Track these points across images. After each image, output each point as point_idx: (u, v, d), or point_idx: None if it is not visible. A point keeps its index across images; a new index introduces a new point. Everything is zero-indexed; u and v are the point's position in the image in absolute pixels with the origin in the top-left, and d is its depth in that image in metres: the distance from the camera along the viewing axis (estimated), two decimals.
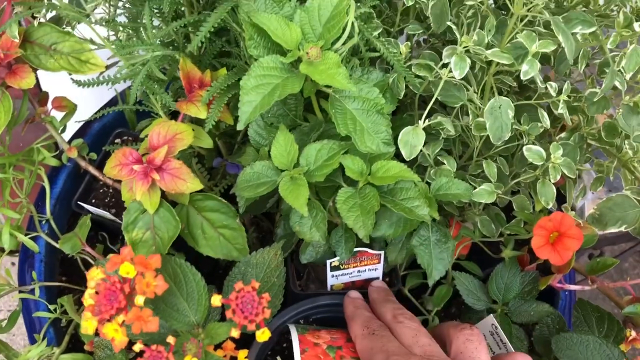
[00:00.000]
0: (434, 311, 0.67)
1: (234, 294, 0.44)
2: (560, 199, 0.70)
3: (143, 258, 0.44)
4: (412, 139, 0.56)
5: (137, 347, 0.43)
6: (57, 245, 0.70)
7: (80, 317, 0.61)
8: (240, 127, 0.49)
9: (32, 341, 0.65)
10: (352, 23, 0.52)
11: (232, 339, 0.48)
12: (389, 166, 0.56)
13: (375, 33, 0.62)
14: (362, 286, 0.68)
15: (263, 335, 0.44)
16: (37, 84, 1.00)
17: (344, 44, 0.53)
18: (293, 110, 0.60)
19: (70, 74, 0.68)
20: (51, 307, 0.67)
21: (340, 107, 0.53)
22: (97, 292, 0.43)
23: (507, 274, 0.64)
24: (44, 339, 0.64)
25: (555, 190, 0.60)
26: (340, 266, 0.65)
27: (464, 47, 0.55)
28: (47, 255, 0.72)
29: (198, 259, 0.64)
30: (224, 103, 0.57)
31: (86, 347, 0.61)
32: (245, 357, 0.48)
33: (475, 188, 0.63)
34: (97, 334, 0.59)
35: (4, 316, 0.71)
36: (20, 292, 0.69)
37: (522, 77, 0.54)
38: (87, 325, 0.43)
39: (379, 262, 0.66)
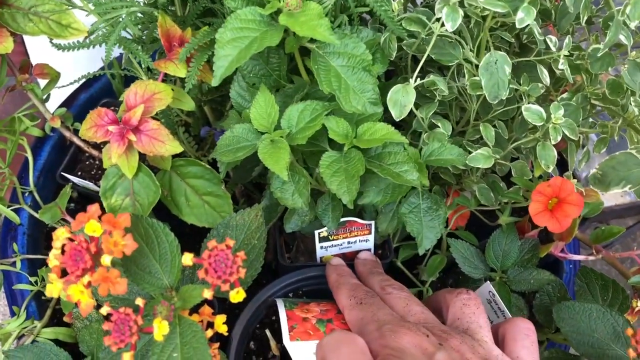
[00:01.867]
0: (429, 282, 0.65)
1: (207, 253, 0.41)
2: (563, 167, 0.66)
3: (111, 216, 0.41)
4: (402, 98, 0.53)
5: (104, 309, 0.40)
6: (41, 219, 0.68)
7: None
8: (215, 82, 0.46)
9: (13, 314, 0.63)
10: None
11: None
12: (375, 128, 0.53)
13: None
14: (353, 258, 0.65)
15: (237, 295, 0.42)
16: (25, 51, 0.98)
17: None
18: (277, 70, 0.57)
19: (51, 39, 0.66)
20: (33, 279, 0.65)
21: (323, 64, 0.50)
22: (62, 252, 0.41)
23: (504, 240, 0.61)
24: (25, 312, 0.62)
25: (556, 153, 0.57)
26: (330, 237, 0.62)
27: None
28: (31, 228, 0.70)
29: (183, 229, 0.61)
30: (204, 60, 0.54)
31: (65, 319, 0.59)
32: (224, 323, 0.45)
33: (471, 153, 0.60)
34: (76, 305, 0.57)
35: None
36: (2, 264, 0.67)
37: (517, 25, 0.50)
38: (52, 287, 0.41)
39: (369, 233, 0.63)
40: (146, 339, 0.43)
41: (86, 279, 0.40)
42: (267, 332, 0.60)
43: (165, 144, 0.52)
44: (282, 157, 0.49)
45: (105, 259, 0.40)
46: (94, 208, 0.42)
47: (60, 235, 0.41)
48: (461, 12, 0.51)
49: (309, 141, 0.52)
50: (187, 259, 0.41)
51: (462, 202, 0.65)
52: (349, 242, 0.63)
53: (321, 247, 0.63)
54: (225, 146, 0.52)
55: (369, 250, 0.64)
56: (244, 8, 0.47)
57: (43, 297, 0.66)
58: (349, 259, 0.65)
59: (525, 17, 0.49)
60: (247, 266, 0.44)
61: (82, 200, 0.78)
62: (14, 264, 0.67)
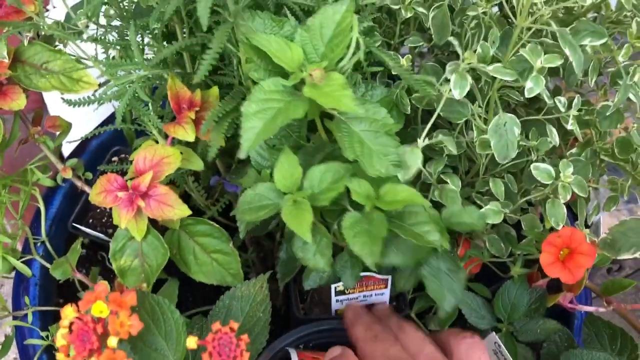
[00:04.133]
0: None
1: (211, 336, 0.42)
2: (574, 215, 0.66)
3: (117, 296, 0.42)
4: (409, 159, 0.53)
5: None
6: None
7: None
8: (242, 155, 0.46)
9: None
10: (357, 39, 0.49)
11: None
12: (397, 190, 0.52)
13: (376, 45, 0.59)
14: None
15: None
16: (41, 98, 0.99)
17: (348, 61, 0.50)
18: (296, 131, 0.57)
19: (62, 93, 0.67)
20: (45, 333, 0.66)
21: (346, 130, 0.50)
22: (70, 331, 0.41)
23: (514, 292, 0.61)
24: None
25: (565, 211, 0.57)
26: (346, 291, 0.62)
27: (468, 64, 0.52)
28: (42, 278, 0.71)
29: (194, 282, 0.61)
30: (224, 130, 0.54)
31: None
32: None
33: (481, 207, 0.60)
34: None
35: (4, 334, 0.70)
36: (14, 317, 0.67)
37: (526, 95, 0.51)
38: None
39: (385, 287, 0.63)
40: None
41: None
42: None
43: (174, 209, 0.53)
44: (306, 219, 0.49)
45: (112, 341, 0.40)
46: (101, 287, 0.42)
47: (68, 314, 0.42)
48: (470, 80, 0.51)
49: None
50: (192, 342, 0.41)
51: (475, 254, 0.65)
52: (364, 296, 0.63)
53: (337, 301, 0.63)
54: (247, 203, 0.52)
55: (384, 303, 0.64)
56: (267, 80, 0.47)
57: (54, 351, 0.66)
58: None
59: (534, 87, 0.49)
60: (252, 341, 0.44)
61: (94, 247, 0.79)
62: (25, 316, 0.67)
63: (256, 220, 0.52)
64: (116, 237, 0.55)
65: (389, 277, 0.62)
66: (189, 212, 0.54)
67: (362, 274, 0.60)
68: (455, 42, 0.53)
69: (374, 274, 0.61)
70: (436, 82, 0.55)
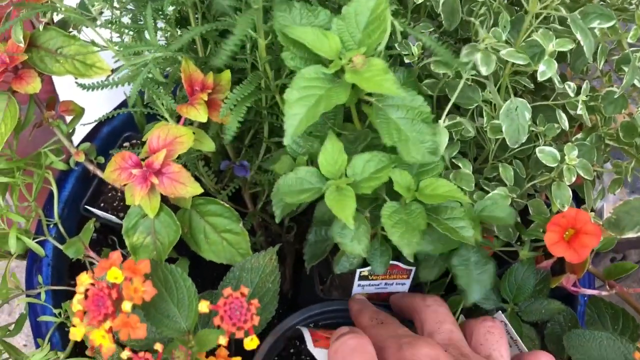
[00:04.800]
0: None
1: (222, 300, 0.43)
2: (578, 200, 0.67)
3: (132, 263, 0.43)
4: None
5: (125, 354, 0.42)
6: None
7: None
8: (287, 141, 0.46)
9: (38, 345, 0.65)
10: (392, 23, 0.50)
11: (237, 344, 0.47)
12: (437, 184, 0.54)
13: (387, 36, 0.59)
14: (385, 299, 0.66)
15: (252, 342, 0.43)
16: (52, 87, 1.01)
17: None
18: (332, 118, 0.58)
19: (76, 78, 0.68)
20: (57, 311, 0.67)
21: (384, 117, 0.51)
22: (85, 297, 0.42)
23: (521, 274, 0.62)
24: (49, 343, 0.64)
25: (570, 193, 0.58)
26: (369, 277, 0.63)
27: (486, 44, 0.53)
28: (55, 259, 0.72)
29: (203, 263, 0.63)
30: (242, 114, 0.55)
31: (88, 352, 0.60)
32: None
33: (488, 192, 0.61)
34: None
35: (13, 318, 0.71)
36: (27, 296, 0.69)
37: (539, 78, 0.52)
38: (76, 331, 0.42)
39: (407, 278, 0.64)
40: None
41: (107, 324, 0.41)
42: None
43: (187, 186, 0.54)
44: (349, 205, 0.49)
45: (126, 306, 0.41)
46: (115, 255, 0.43)
47: (84, 281, 0.43)
48: (494, 58, 0.52)
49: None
50: (204, 306, 0.42)
51: (485, 244, 0.66)
52: (386, 284, 0.64)
53: (359, 285, 0.64)
54: (288, 186, 0.53)
55: (402, 285, 0.65)
56: (307, 67, 0.48)
57: (66, 329, 0.67)
58: (382, 299, 0.66)
59: (546, 70, 0.50)
60: (261, 310, 0.45)
61: (105, 231, 0.80)
62: (38, 295, 0.69)
63: (297, 202, 0.53)
64: (129, 215, 0.57)
65: (413, 269, 0.63)
66: (200, 190, 0.55)
67: None
68: (477, 22, 0.54)
69: (399, 264, 0.62)
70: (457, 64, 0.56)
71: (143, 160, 0.55)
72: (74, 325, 0.42)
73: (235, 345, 0.54)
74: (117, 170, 0.54)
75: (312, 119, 0.46)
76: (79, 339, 0.42)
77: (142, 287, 0.42)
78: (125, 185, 0.58)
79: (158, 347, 0.42)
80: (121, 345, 0.44)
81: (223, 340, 0.42)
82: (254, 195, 0.78)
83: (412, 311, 0.58)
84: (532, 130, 0.60)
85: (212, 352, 0.46)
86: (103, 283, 0.42)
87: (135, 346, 0.43)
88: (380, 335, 0.51)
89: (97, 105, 0.81)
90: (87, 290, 0.43)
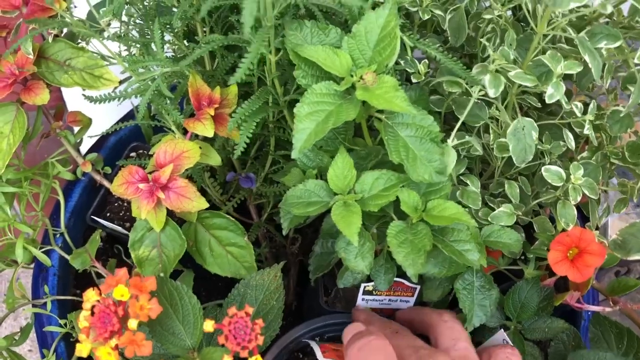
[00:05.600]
0: None
1: (227, 320, 0.43)
2: (584, 218, 0.67)
3: (138, 280, 0.43)
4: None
5: None
6: None
7: None
8: (295, 155, 0.47)
9: (43, 355, 0.65)
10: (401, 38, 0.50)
11: None
12: (445, 206, 0.54)
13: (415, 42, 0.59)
14: (389, 315, 0.66)
15: None
16: (60, 96, 1.02)
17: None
18: (342, 134, 0.58)
19: (83, 90, 0.69)
20: (63, 321, 0.67)
21: (392, 134, 0.51)
22: (92, 314, 0.43)
23: (525, 292, 0.62)
24: (54, 353, 0.64)
25: (575, 212, 0.58)
26: (374, 292, 0.63)
27: (498, 64, 0.53)
28: (61, 269, 0.72)
29: (208, 274, 0.63)
30: (251, 129, 0.56)
31: None
32: None
33: (493, 209, 0.61)
34: None
35: (19, 322, 0.72)
36: (33, 305, 0.69)
37: (547, 100, 0.52)
38: (82, 347, 0.43)
39: (412, 296, 0.64)
40: None
41: (114, 341, 0.41)
42: None
43: (193, 201, 0.54)
44: (355, 222, 0.50)
45: (132, 323, 0.42)
46: (122, 272, 0.44)
47: (90, 297, 0.43)
48: (503, 80, 0.52)
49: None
50: (209, 325, 0.43)
51: (491, 262, 0.66)
52: (390, 300, 0.64)
53: (363, 299, 0.64)
54: (296, 198, 0.54)
55: (406, 303, 0.65)
56: (318, 83, 0.49)
57: (72, 339, 0.68)
58: (385, 315, 0.66)
59: (554, 93, 0.50)
60: (266, 327, 0.45)
61: (111, 240, 0.80)
62: (44, 304, 0.69)
63: (304, 215, 0.53)
64: (135, 228, 0.57)
65: (418, 287, 0.63)
66: (206, 204, 0.55)
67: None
68: (487, 43, 0.54)
69: (404, 281, 0.62)
70: (466, 85, 0.56)
71: (150, 174, 0.55)
72: (80, 342, 0.43)
73: None
74: (124, 184, 0.54)
75: (321, 134, 0.46)
76: (85, 355, 0.43)
77: (148, 304, 0.42)
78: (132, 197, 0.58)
79: None
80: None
81: (228, 359, 0.43)
82: (259, 207, 0.79)
83: (427, 325, 0.58)
84: (538, 148, 0.60)
85: None
86: (109, 300, 0.43)
87: None
88: (398, 344, 0.51)
89: (105, 115, 0.82)
90: (93, 306, 0.43)
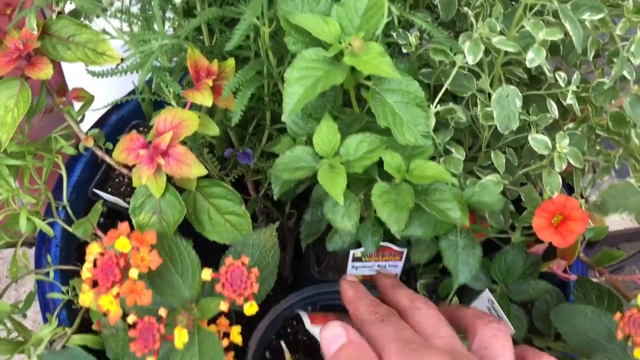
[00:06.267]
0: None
1: (224, 269, 0.45)
2: (571, 189, 0.69)
3: (139, 234, 0.45)
4: None
5: (131, 318, 0.44)
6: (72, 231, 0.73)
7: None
8: (284, 118, 0.49)
9: (46, 321, 0.67)
10: (388, 8, 0.52)
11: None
12: (427, 166, 0.56)
13: (385, 21, 0.62)
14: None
15: (251, 308, 0.45)
16: (62, 75, 1.04)
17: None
18: (331, 102, 0.60)
19: (86, 66, 0.71)
20: (65, 288, 0.69)
21: (380, 100, 0.54)
22: (94, 266, 0.45)
23: (511, 257, 0.64)
24: (56, 319, 0.66)
25: (560, 180, 0.60)
26: (363, 258, 0.65)
27: (479, 34, 0.55)
28: (63, 241, 0.74)
29: (207, 246, 0.65)
30: (246, 100, 0.58)
31: (94, 327, 0.63)
32: (239, 334, 0.49)
33: (481, 179, 0.63)
34: (105, 314, 0.61)
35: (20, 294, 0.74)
36: (36, 274, 0.71)
37: (527, 65, 0.54)
38: (85, 297, 0.45)
39: (400, 260, 0.66)
40: (168, 346, 0.47)
41: (115, 290, 0.44)
42: (282, 343, 0.63)
43: (191, 167, 0.56)
44: (340, 182, 0.52)
45: (133, 273, 0.44)
46: (123, 226, 0.46)
47: (93, 250, 0.45)
48: (482, 47, 0.54)
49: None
50: (206, 274, 0.45)
51: (478, 229, 0.68)
52: (379, 265, 0.66)
53: (353, 267, 0.66)
54: (284, 164, 0.56)
55: (395, 275, 0.67)
56: (308, 49, 0.51)
57: (73, 306, 0.70)
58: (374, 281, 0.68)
59: (535, 58, 0.52)
60: (261, 282, 0.47)
61: (112, 215, 0.82)
62: (47, 274, 0.71)
63: (292, 179, 0.55)
64: (136, 194, 0.59)
65: (405, 250, 0.65)
66: (205, 171, 0.57)
67: (381, 243, 0.63)
68: (470, 12, 0.56)
69: (391, 245, 0.64)
70: (450, 52, 0.58)
71: (150, 142, 0.57)
72: (83, 292, 0.45)
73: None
74: (125, 151, 0.56)
75: (310, 98, 0.48)
76: (87, 305, 0.45)
77: (148, 256, 0.44)
78: (132, 167, 0.60)
79: (162, 312, 0.45)
80: (124, 314, 0.47)
81: (224, 307, 0.45)
82: (256, 183, 0.81)
83: (399, 311, 0.53)
84: (525, 120, 0.62)
85: (213, 321, 0.49)
86: (111, 252, 0.45)
87: (139, 313, 0.45)
88: (382, 337, 0.47)
89: (105, 96, 0.84)
90: (95, 259, 0.45)
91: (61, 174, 0.76)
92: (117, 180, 0.81)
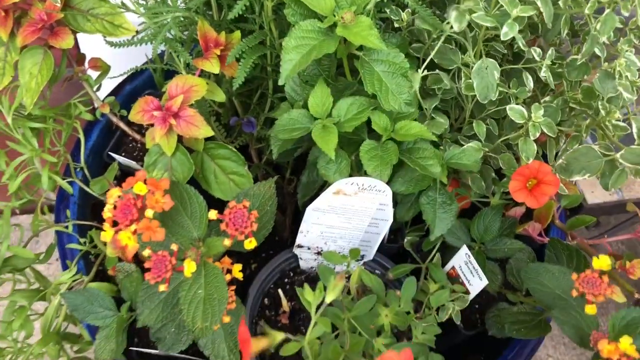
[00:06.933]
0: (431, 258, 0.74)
1: (228, 210, 0.51)
2: (546, 159, 0.75)
3: (154, 180, 0.52)
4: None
5: (146, 252, 0.51)
6: (89, 190, 0.79)
7: (106, 249, 0.70)
8: (281, 82, 0.55)
9: (66, 267, 0.74)
10: None
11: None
12: (410, 125, 0.62)
13: None
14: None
15: (250, 244, 0.52)
16: (77, 47, 1.09)
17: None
18: (326, 70, 0.67)
19: (104, 37, 0.77)
20: (82, 240, 0.76)
21: (369, 69, 0.60)
22: (114, 207, 0.51)
23: (489, 217, 0.70)
24: (75, 266, 0.73)
25: (535, 148, 0.65)
26: None
27: (465, 6, 0.61)
28: (80, 199, 0.81)
29: (210, 200, 0.71)
30: (248, 66, 0.64)
31: (109, 272, 0.69)
32: (240, 271, 0.55)
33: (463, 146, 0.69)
34: (119, 260, 0.68)
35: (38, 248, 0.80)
36: (56, 230, 0.78)
37: (502, 38, 0.59)
38: (106, 234, 0.51)
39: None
40: (177, 281, 0.53)
41: (133, 227, 0.50)
42: (280, 291, 0.69)
43: (200, 128, 0.62)
44: (332, 140, 0.59)
45: (149, 212, 0.50)
46: (141, 173, 0.52)
47: (113, 194, 0.52)
48: (467, 17, 0.60)
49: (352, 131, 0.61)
50: (212, 214, 0.51)
51: (463, 193, 0.74)
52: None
53: None
54: (282, 126, 0.62)
55: (386, 220, 0.72)
56: (304, 20, 0.56)
57: (90, 256, 0.77)
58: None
59: (508, 31, 0.58)
60: (260, 227, 0.54)
61: (125, 177, 0.88)
62: (66, 228, 0.78)
63: (289, 138, 0.62)
64: (150, 153, 0.65)
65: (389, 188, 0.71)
66: (211, 132, 0.63)
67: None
68: None
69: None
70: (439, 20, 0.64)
71: (163, 105, 0.63)
72: (104, 230, 0.51)
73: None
74: (140, 112, 0.63)
75: (304, 64, 0.54)
76: (108, 240, 0.51)
77: (162, 199, 0.51)
78: (144, 133, 0.66)
79: (174, 246, 0.51)
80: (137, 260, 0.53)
81: (227, 242, 0.51)
82: (259, 151, 0.87)
83: None
84: (506, 93, 0.68)
85: (217, 260, 0.55)
86: (129, 195, 0.51)
87: (153, 248, 0.52)
88: None
89: (119, 68, 0.90)
90: (115, 202, 0.51)
91: (79, 138, 0.83)
92: (130, 145, 0.87)
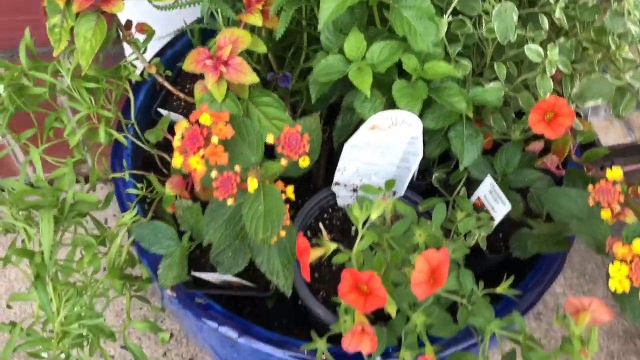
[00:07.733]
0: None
1: (282, 134, 0.59)
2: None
3: (216, 112, 0.59)
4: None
5: (213, 173, 0.58)
6: (140, 144, 0.87)
7: (164, 191, 0.77)
8: (320, 27, 0.63)
9: (125, 209, 0.82)
10: None
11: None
12: (438, 65, 0.69)
13: None
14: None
15: (304, 162, 0.59)
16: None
17: None
18: (358, 19, 0.74)
19: (150, 1, 0.84)
20: (140, 185, 0.83)
21: (398, 14, 0.67)
22: (183, 137, 0.58)
23: (510, 151, 0.77)
24: (135, 208, 0.80)
25: (551, 83, 0.72)
26: None
27: None
28: (133, 152, 0.88)
29: None
30: (288, 17, 0.71)
31: (168, 210, 0.77)
32: (293, 192, 0.62)
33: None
34: (175, 197, 0.75)
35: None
36: (113, 179, 0.85)
37: None
38: (176, 161, 0.58)
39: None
40: (240, 200, 0.60)
41: (200, 153, 0.57)
42: (321, 224, 0.77)
43: (247, 75, 0.69)
44: (367, 79, 0.66)
45: (214, 139, 0.57)
46: (205, 106, 0.59)
47: (182, 126, 0.59)
48: None
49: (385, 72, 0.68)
50: (270, 138, 0.58)
51: (486, 131, 0.81)
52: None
53: None
54: (320, 70, 0.70)
55: (416, 154, 0.78)
56: None
57: (147, 201, 0.84)
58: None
59: None
60: (311, 149, 0.61)
61: (171, 132, 0.96)
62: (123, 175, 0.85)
63: (327, 81, 0.69)
64: (201, 100, 0.72)
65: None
66: (257, 79, 0.70)
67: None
68: None
69: None
70: None
71: (213, 55, 0.70)
72: (174, 157, 0.58)
73: None
74: (193, 62, 0.70)
75: (340, 11, 0.62)
76: (179, 165, 0.58)
77: (224, 128, 0.58)
78: (189, 94, 0.73)
79: (237, 168, 0.58)
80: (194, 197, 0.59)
81: (284, 162, 0.59)
82: (294, 105, 0.94)
83: None
84: (523, 36, 0.74)
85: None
86: (196, 126, 0.58)
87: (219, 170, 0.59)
88: None
89: (160, 31, 0.97)
90: (183, 131, 0.58)
91: (128, 97, 0.90)
92: (174, 103, 0.94)
